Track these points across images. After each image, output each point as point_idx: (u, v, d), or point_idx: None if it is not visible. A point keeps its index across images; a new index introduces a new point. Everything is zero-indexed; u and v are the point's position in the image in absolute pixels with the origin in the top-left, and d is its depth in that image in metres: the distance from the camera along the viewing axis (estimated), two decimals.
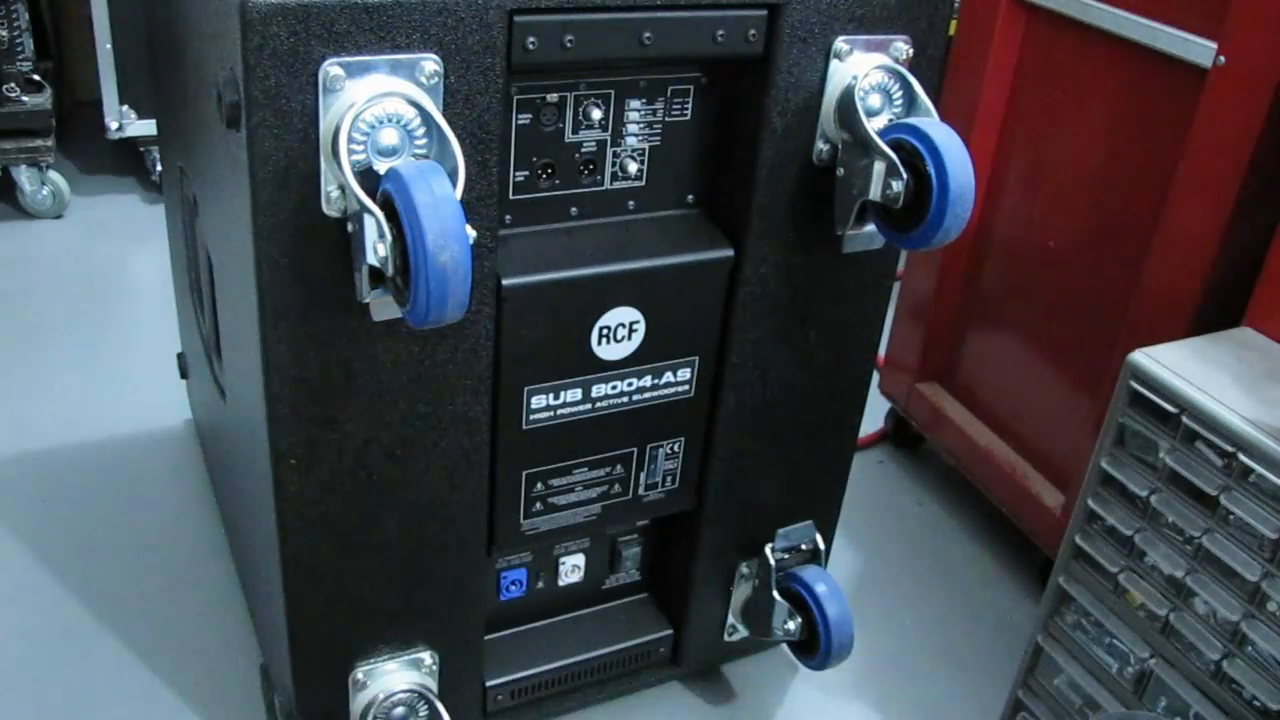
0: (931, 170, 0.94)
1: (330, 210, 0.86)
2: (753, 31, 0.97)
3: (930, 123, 0.97)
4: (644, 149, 1.05)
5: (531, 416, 1.06)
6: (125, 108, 2.38)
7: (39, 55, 2.36)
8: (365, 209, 0.81)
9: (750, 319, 1.10)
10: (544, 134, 1.00)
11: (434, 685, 1.13)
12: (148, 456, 1.67)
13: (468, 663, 1.17)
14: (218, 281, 1.14)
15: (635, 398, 1.10)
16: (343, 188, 0.84)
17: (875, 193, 0.99)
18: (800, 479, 1.25)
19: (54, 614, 1.42)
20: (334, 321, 0.91)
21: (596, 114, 1.01)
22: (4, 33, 2.25)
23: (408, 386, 0.97)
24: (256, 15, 0.78)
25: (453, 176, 0.81)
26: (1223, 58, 1.19)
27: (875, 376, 1.34)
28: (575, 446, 1.10)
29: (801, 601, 1.26)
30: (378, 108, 0.81)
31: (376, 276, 0.85)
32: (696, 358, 1.11)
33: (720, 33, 0.96)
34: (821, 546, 1.29)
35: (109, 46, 2.31)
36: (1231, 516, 1.00)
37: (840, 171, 1.03)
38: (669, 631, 1.31)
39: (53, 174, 2.37)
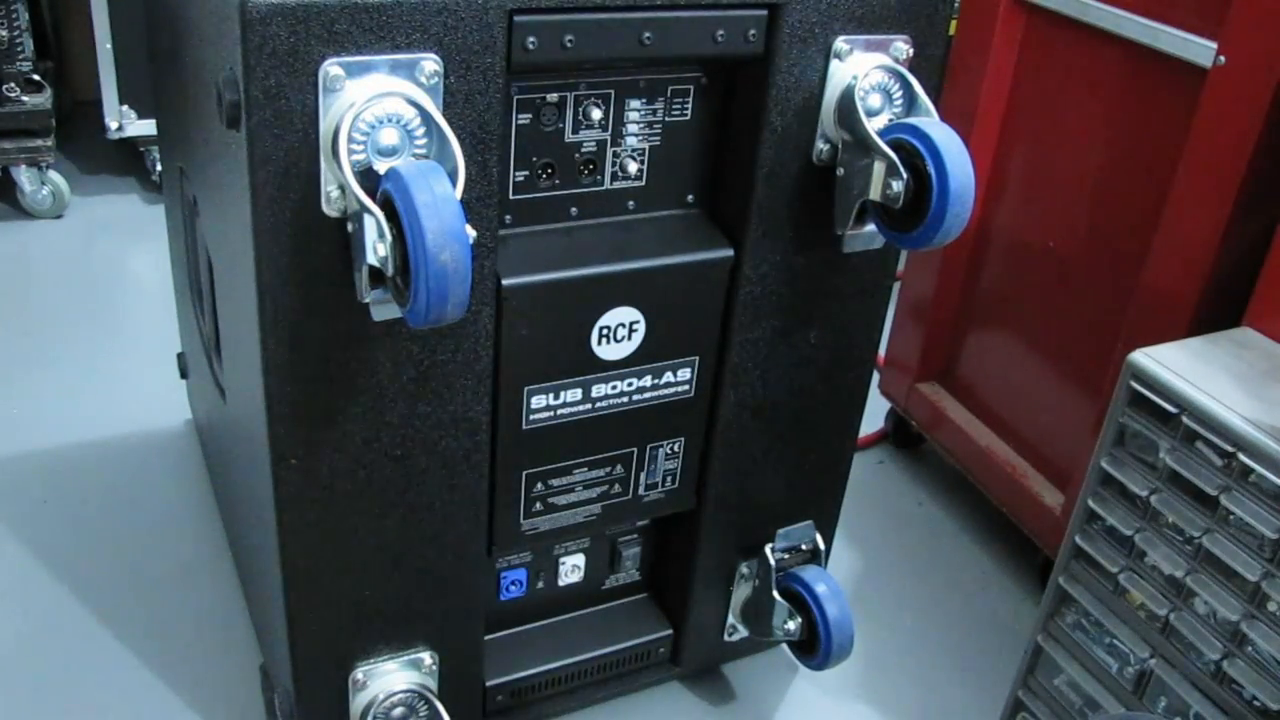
0: (931, 170, 0.94)
1: (330, 210, 0.86)
2: (753, 31, 0.97)
3: (930, 122, 0.97)
4: (644, 149, 1.05)
5: (531, 416, 1.06)
6: (125, 108, 2.38)
7: (39, 55, 2.36)
8: (365, 209, 0.81)
9: (750, 319, 1.10)
10: (544, 134, 1.00)
11: (434, 685, 1.13)
12: (148, 456, 1.67)
13: (468, 663, 1.17)
14: (218, 281, 1.14)
15: (635, 398, 1.10)
16: (343, 188, 0.84)
17: (875, 193, 0.99)
18: (800, 479, 1.25)
19: (54, 614, 1.42)
20: (334, 321, 0.91)
21: (596, 114, 1.01)
22: (4, 33, 2.25)
23: (408, 386, 0.97)
24: (256, 15, 0.78)
25: (453, 176, 0.81)
26: (1223, 58, 1.19)
27: (875, 376, 1.34)
28: (575, 446, 1.10)
29: (801, 601, 1.26)
30: (378, 107, 0.81)
31: (376, 276, 0.85)
32: (696, 358, 1.11)
33: (720, 33, 0.96)
34: (821, 546, 1.29)
35: (109, 46, 2.30)
36: (1231, 516, 1.00)
37: (840, 171, 1.03)
38: (669, 631, 1.31)
39: (53, 174, 2.37)
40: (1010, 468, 1.57)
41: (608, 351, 1.06)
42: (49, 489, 1.63)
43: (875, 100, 1.00)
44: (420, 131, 0.83)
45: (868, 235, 1.09)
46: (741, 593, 1.30)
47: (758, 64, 0.99)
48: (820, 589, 1.25)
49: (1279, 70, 1.14)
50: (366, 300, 0.87)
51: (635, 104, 1.02)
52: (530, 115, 0.98)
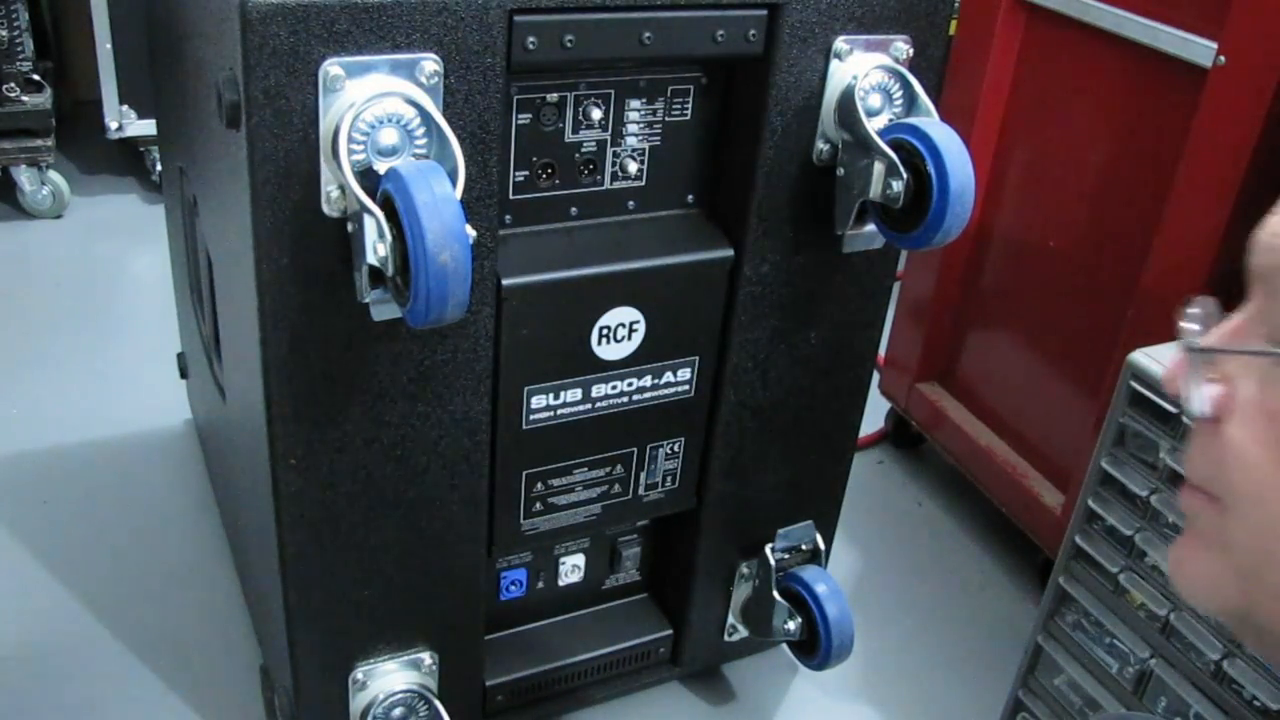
0: (931, 170, 0.94)
1: (330, 210, 0.85)
2: (753, 31, 0.97)
3: (930, 122, 0.97)
4: (644, 149, 1.05)
5: (531, 416, 1.06)
6: (125, 108, 2.38)
7: (39, 55, 2.36)
8: (365, 209, 0.81)
9: (750, 319, 1.10)
10: (544, 134, 1.00)
11: (434, 685, 1.13)
12: (148, 456, 1.67)
13: (468, 663, 1.17)
14: (218, 281, 1.14)
15: (635, 398, 1.10)
16: (343, 188, 0.84)
17: (875, 193, 0.99)
18: (800, 479, 1.25)
19: (54, 614, 1.42)
20: (334, 321, 0.91)
21: (596, 114, 1.01)
22: (4, 33, 2.25)
23: (408, 386, 0.97)
24: (256, 15, 0.78)
25: (453, 176, 0.81)
26: (1223, 58, 1.19)
27: (875, 376, 1.34)
28: (575, 446, 1.10)
29: (801, 601, 1.26)
30: (377, 107, 0.81)
31: (376, 276, 0.85)
32: (696, 358, 1.11)
33: (720, 33, 0.96)
34: (821, 546, 1.29)
35: (109, 46, 2.30)
36: None
37: (840, 171, 1.03)
38: (669, 631, 1.31)
39: (53, 174, 2.37)
40: (1010, 468, 1.57)
41: (608, 351, 1.06)
42: (49, 489, 1.63)
43: (875, 100, 1.00)
44: (420, 131, 0.83)
45: (868, 235, 1.09)
46: (741, 593, 1.30)
47: (758, 64, 0.99)
48: (820, 589, 1.25)
49: (1279, 70, 1.14)
50: (366, 300, 0.87)
51: (635, 104, 1.02)
52: (530, 115, 0.98)
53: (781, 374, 1.16)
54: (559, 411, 1.07)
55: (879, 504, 1.76)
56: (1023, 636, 1.26)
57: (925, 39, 1.04)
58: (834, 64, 1.00)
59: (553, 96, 0.99)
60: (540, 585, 1.25)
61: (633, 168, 1.05)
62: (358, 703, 1.09)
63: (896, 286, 1.46)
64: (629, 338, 1.06)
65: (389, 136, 0.82)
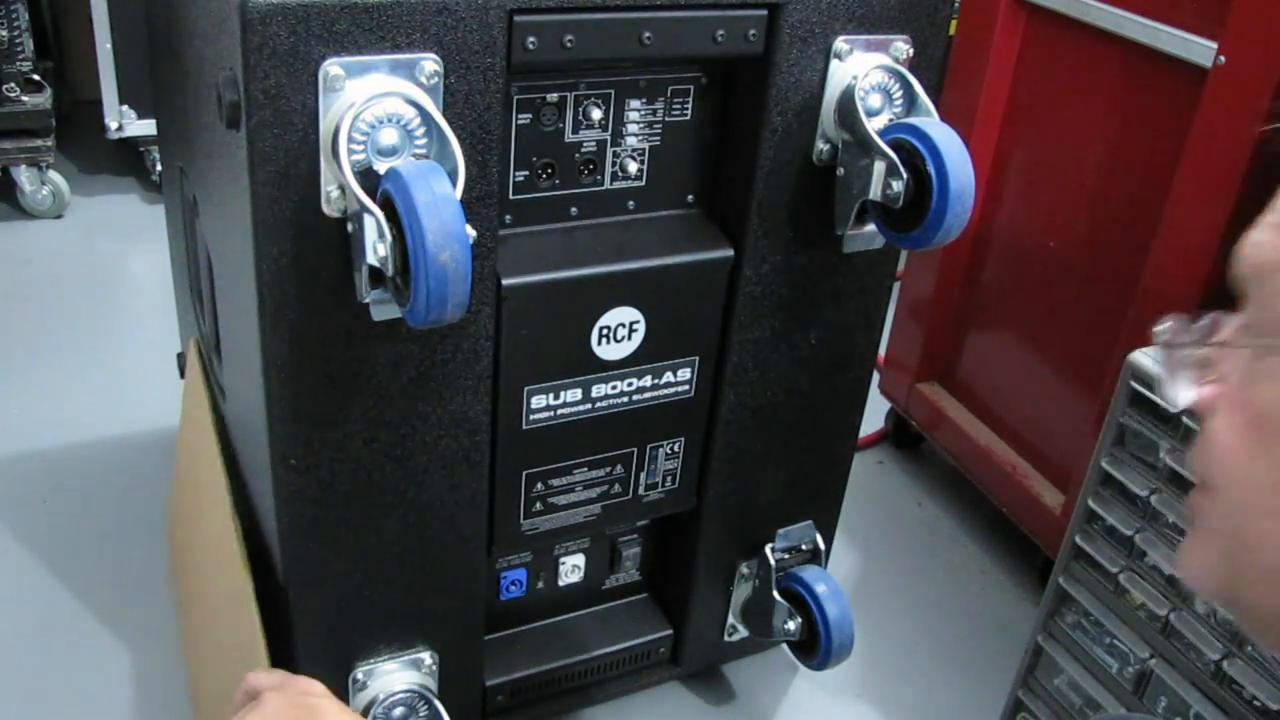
0: (931, 170, 0.94)
1: (330, 210, 0.85)
2: (753, 31, 0.97)
3: (930, 122, 0.97)
4: (644, 149, 1.05)
5: (531, 416, 1.06)
6: (125, 108, 2.38)
7: (39, 55, 2.36)
8: (365, 209, 0.81)
9: (750, 319, 1.10)
10: (544, 134, 1.00)
11: (434, 685, 1.13)
12: (148, 456, 1.67)
13: (468, 663, 1.17)
14: (218, 281, 1.14)
15: (635, 398, 1.10)
16: (343, 188, 0.84)
17: (875, 192, 0.99)
18: (800, 479, 1.25)
19: (54, 614, 1.42)
20: (334, 321, 0.91)
21: (596, 114, 1.01)
22: (4, 33, 2.25)
23: (408, 386, 0.97)
24: (256, 15, 0.78)
25: (453, 176, 0.81)
26: (1223, 58, 1.19)
27: (875, 376, 1.34)
28: (575, 446, 1.10)
29: (801, 601, 1.26)
30: (377, 107, 0.81)
31: (376, 276, 0.85)
32: (696, 358, 1.11)
33: (720, 33, 0.96)
34: (821, 546, 1.29)
35: (109, 46, 2.30)
36: None
37: (840, 171, 1.03)
38: (669, 631, 1.31)
39: (53, 174, 2.37)
40: (1010, 468, 1.57)
41: (608, 351, 1.06)
42: (49, 489, 1.63)
43: (875, 100, 1.00)
44: (420, 131, 0.83)
45: (868, 235, 1.09)
46: (741, 593, 1.30)
47: (758, 64, 0.99)
48: (820, 589, 1.25)
49: (1279, 70, 1.14)
50: (366, 300, 0.87)
51: (635, 104, 1.02)
52: (530, 115, 0.98)
53: (781, 374, 1.16)
54: (559, 411, 1.07)
55: (879, 504, 1.76)
56: (1023, 636, 1.26)
57: (925, 39, 1.04)
58: (834, 64, 1.00)
59: (553, 96, 0.99)
60: (540, 585, 1.25)
61: (633, 168, 1.05)
62: (358, 703, 1.09)
63: (896, 286, 1.46)
64: (629, 338, 1.06)
65: (389, 136, 0.82)
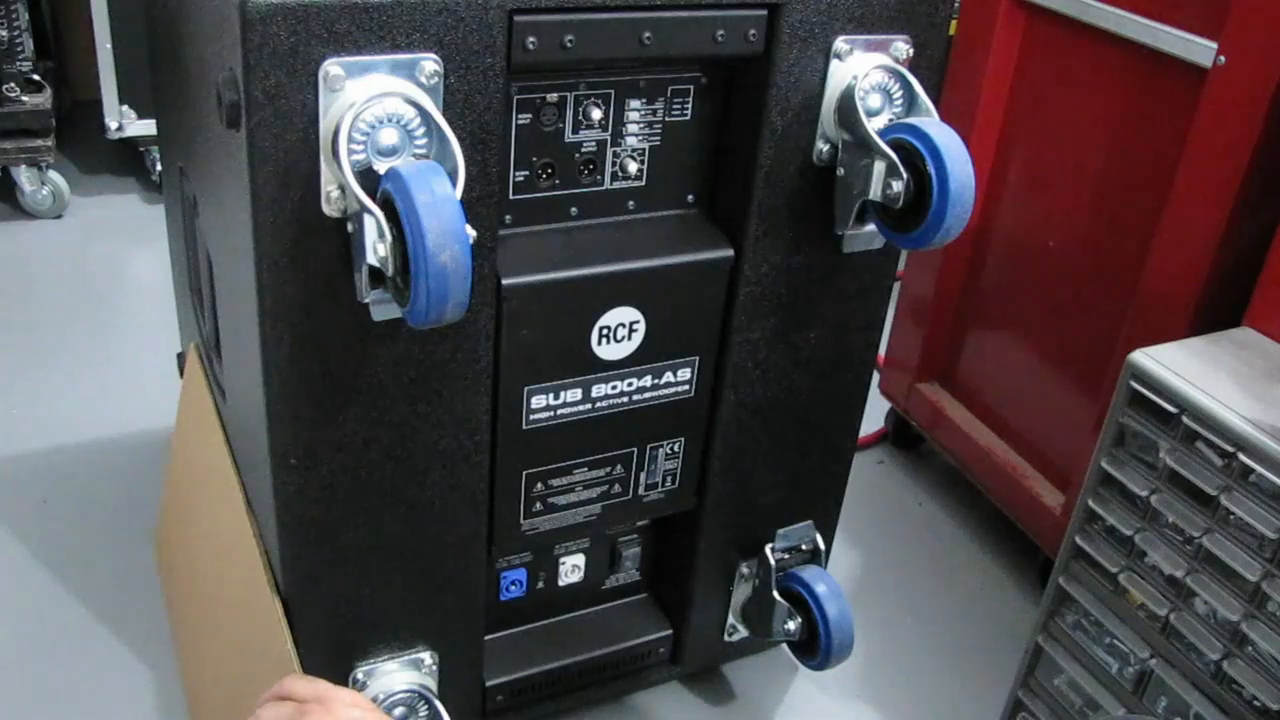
0: (931, 170, 0.94)
1: (330, 210, 0.85)
2: (753, 31, 0.97)
3: (930, 122, 0.97)
4: (644, 149, 1.05)
5: (531, 416, 1.06)
6: (125, 108, 2.38)
7: (39, 55, 2.36)
8: (365, 209, 0.81)
9: (750, 319, 1.10)
10: (544, 134, 1.00)
11: (434, 685, 1.13)
12: (148, 456, 1.67)
13: (468, 663, 1.17)
14: (218, 281, 1.14)
15: (635, 398, 1.10)
16: (343, 187, 0.84)
17: (875, 192, 0.99)
18: (800, 479, 1.25)
19: (53, 614, 1.42)
20: (334, 321, 0.91)
21: (596, 114, 1.01)
22: (4, 33, 2.25)
23: (408, 386, 0.97)
24: (256, 15, 0.78)
25: (453, 176, 0.81)
26: (1223, 58, 1.19)
27: (875, 376, 1.34)
28: (575, 446, 1.10)
29: (801, 601, 1.26)
30: (377, 107, 0.81)
31: (376, 276, 0.85)
32: (696, 358, 1.11)
33: (720, 32, 0.96)
34: (821, 546, 1.29)
35: (109, 46, 2.30)
36: (1231, 516, 1.00)
37: (840, 171, 1.03)
38: (669, 631, 1.31)
39: (53, 174, 2.37)
40: (1010, 468, 1.57)
41: (608, 351, 1.06)
42: (49, 489, 1.63)
43: (875, 100, 1.00)
44: (420, 131, 0.83)
45: (868, 235, 1.09)
46: (741, 593, 1.30)
47: (758, 64, 0.99)
48: (820, 589, 1.25)
49: (1279, 70, 1.14)
50: (366, 300, 0.87)
51: (635, 104, 1.02)
52: (530, 115, 0.98)
53: (781, 374, 1.16)
54: (559, 411, 1.07)
55: (879, 504, 1.76)
56: (1023, 636, 1.26)
57: (925, 39, 1.04)
58: (834, 64, 1.00)
59: (553, 96, 0.99)
60: (540, 585, 1.25)
61: (633, 168, 1.05)
62: None
63: (896, 286, 1.46)
64: (629, 338, 1.06)
65: (389, 136, 0.82)
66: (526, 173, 1.01)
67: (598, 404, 1.08)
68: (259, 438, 0.97)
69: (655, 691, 1.38)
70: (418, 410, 0.98)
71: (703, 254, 1.07)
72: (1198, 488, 1.02)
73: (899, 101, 1.01)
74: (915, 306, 1.72)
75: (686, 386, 1.12)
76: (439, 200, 0.77)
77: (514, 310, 0.99)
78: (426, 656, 1.12)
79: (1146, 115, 1.32)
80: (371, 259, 0.83)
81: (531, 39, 0.89)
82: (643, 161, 1.05)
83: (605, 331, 1.05)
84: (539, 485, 1.11)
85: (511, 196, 1.01)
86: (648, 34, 0.94)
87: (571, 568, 1.25)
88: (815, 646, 1.26)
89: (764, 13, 0.97)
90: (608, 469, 1.14)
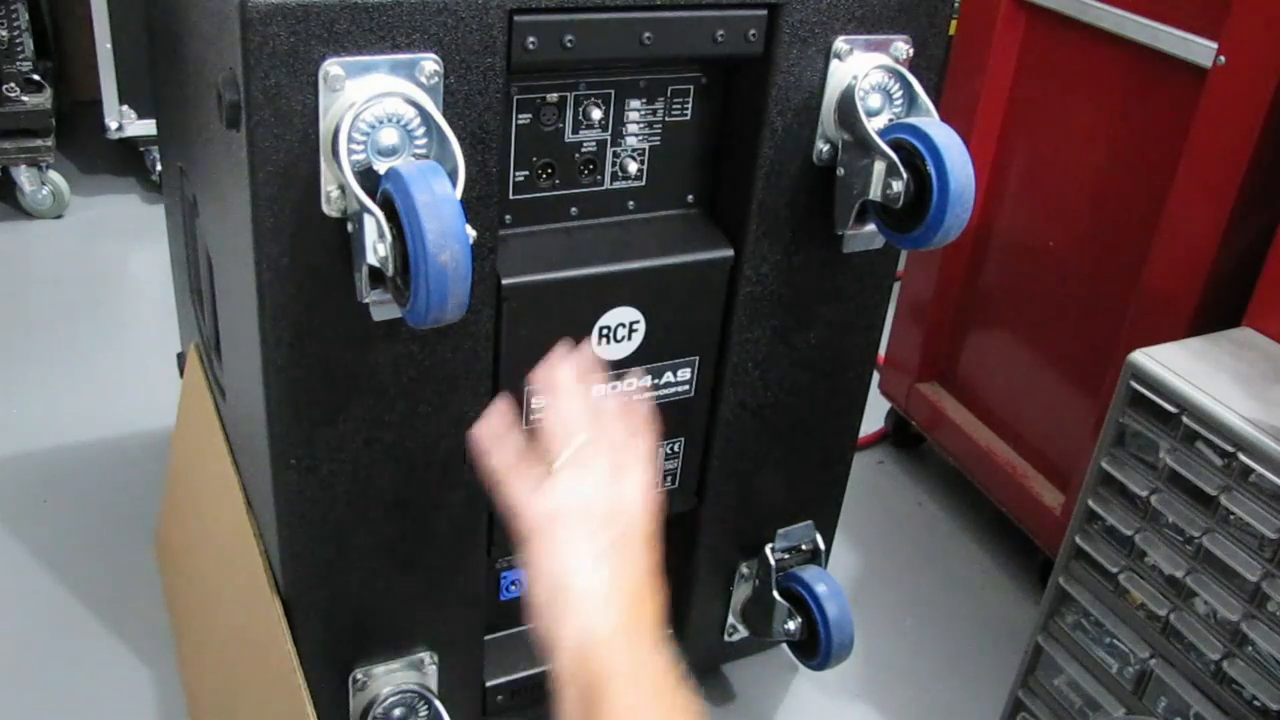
0: (931, 170, 0.94)
1: (330, 210, 0.85)
2: (753, 31, 0.97)
3: (930, 122, 0.97)
4: (644, 149, 1.05)
5: (532, 416, 1.06)
6: (125, 108, 2.38)
7: (39, 55, 2.36)
8: (365, 209, 0.80)
9: (750, 319, 1.10)
10: (544, 134, 1.00)
11: (434, 685, 1.13)
12: (148, 456, 1.67)
13: (468, 663, 1.17)
14: (218, 281, 1.14)
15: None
16: (343, 188, 0.84)
17: (875, 192, 0.99)
18: (800, 479, 1.25)
19: (53, 614, 1.42)
20: (334, 321, 0.91)
21: (596, 114, 1.01)
22: (4, 33, 2.25)
23: (408, 386, 0.97)
24: (256, 15, 0.78)
25: (453, 176, 0.81)
26: (1223, 58, 1.19)
27: (875, 376, 1.34)
28: None
29: (801, 601, 1.26)
30: (377, 107, 0.81)
31: (376, 276, 0.85)
32: (696, 358, 1.11)
33: (720, 33, 0.96)
34: (821, 546, 1.29)
35: (109, 46, 2.30)
36: (1231, 516, 1.00)
37: (840, 171, 1.03)
38: (669, 631, 1.31)
39: (53, 174, 2.37)
40: (1010, 468, 1.57)
41: (608, 351, 1.06)
42: (49, 489, 1.63)
43: (875, 100, 1.00)
44: (420, 131, 0.83)
45: (868, 235, 1.09)
46: (741, 593, 1.30)
47: (758, 64, 0.99)
48: (820, 589, 1.25)
49: (1279, 70, 1.14)
50: (366, 300, 0.87)
51: (635, 104, 1.02)
52: (530, 115, 0.98)
53: (781, 374, 1.16)
54: None
55: (879, 504, 1.77)
56: (1023, 636, 1.26)
57: (925, 39, 1.04)
58: (834, 64, 1.00)
59: (553, 96, 0.99)
60: None
61: (633, 168, 1.05)
62: (358, 703, 1.09)
63: (896, 286, 1.46)
64: (629, 338, 1.06)
65: (389, 136, 0.82)
66: (526, 173, 1.01)
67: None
68: (259, 438, 0.97)
69: None
70: (418, 410, 0.98)
71: (703, 254, 1.07)
72: (1198, 488, 1.02)
73: (899, 101, 1.01)
74: (915, 306, 1.72)
75: (686, 386, 1.12)
76: (439, 200, 0.77)
77: (514, 310, 0.99)
78: (426, 656, 1.12)
79: (1146, 115, 1.32)
80: (371, 259, 0.83)
81: (531, 39, 0.89)
82: (643, 161, 1.05)
83: (605, 331, 1.05)
84: None
85: (511, 196, 1.01)
86: (648, 34, 0.94)
87: None
88: (815, 646, 1.26)
89: (764, 13, 0.97)
90: None
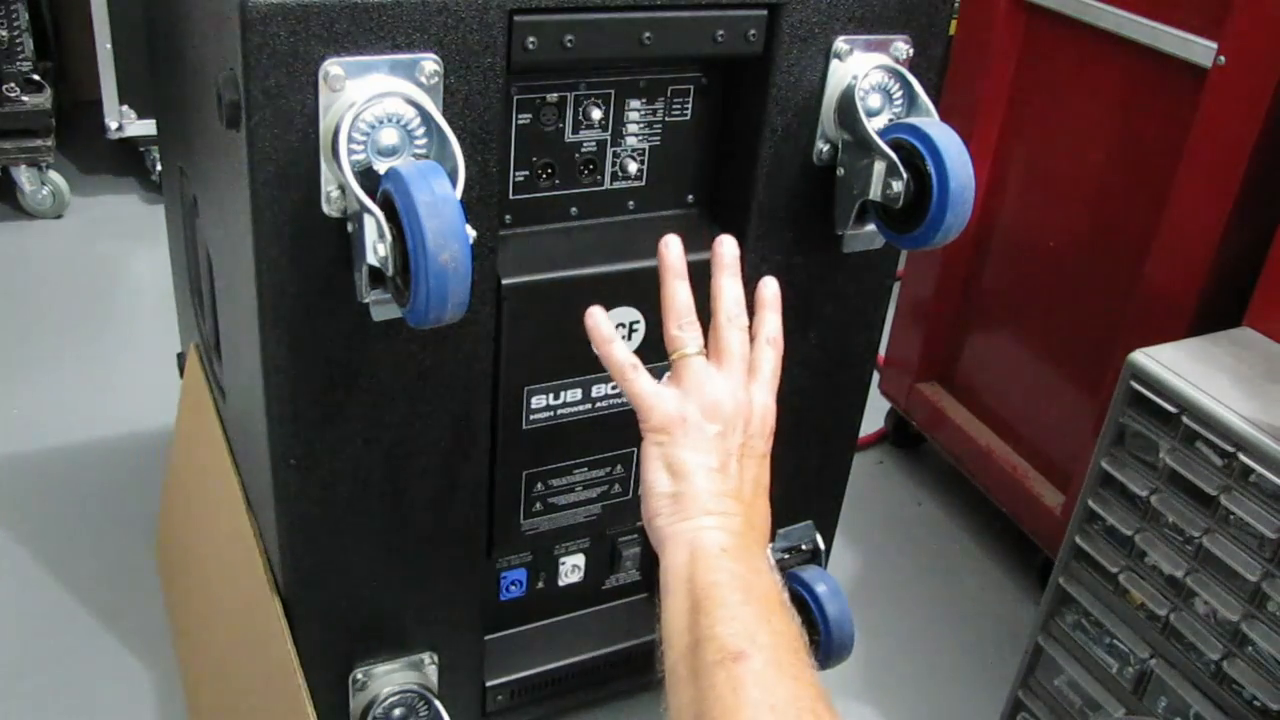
0: (931, 170, 0.94)
1: (330, 210, 0.85)
2: (753, 31, 0.97)
3: (930, 122, 0.97)
4: (644, 149, 1.05)
5: (531, 416, 1.06)
6: (125, 108, 2.38)
7: (39, 55, 2.36)
8: (365, 209, 0.80)
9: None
10: (544, 134, 1.00)
11: (434, 685, 1.13)
12: (148, 456, 1.67)
13: (468, 663, 1.17)
14: (218, 281, 1.14)
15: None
16: (343, 188, 0.84)
17: (875, 192, 0.99)
18: (800, 479, 1.25)
19: (53, 614, 1.42)
20: (334, 321, 0.91)
21: (596, 114, 1.01)
22: (4, 33, 2.25)
23: (408, 386, 0.97)
24: (256, 15, 0.78)
25: (453, 176, 0.81)
26: (1223, 58, 1.19)
27: (875, 376, 1.34)
28: (575, 446, 1.10)
29: (801, 601, 1.25)
30: (378, 107, 0.81)
31: (376, 276, 0.85)
32: None
33: (720, 33, 0.96)
34: (821, 546, 1.29)
35: (109, 46, 2.30)
36: (1231, 516, 1.00)
37: (840, 171, 1.03)
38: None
39: (53, 174, 2.37)
40: (1010, 468, 1.57)
41: None
42: (49, 489, 1.63)
43: (875, 100, 1.00)
44: (420, 131, 0.83)
45: (868, 235, 1.09)
46: None
47: (758, 64, 0.99)
48: (820, 589, 1.24)
49: (1279, 70, 1.14)
50: (366, 300, 0.87)
51: (635, 104, 1.02)
52: (530, 115, 0.98)
53: (781, 374, 1.15)
54: (559, 411, 1.07)
55: (879, 504, 1.77)
56: (1023, 636, 1.26)
57: (925, 39, 1.04)
58: (834, 64, 1.00)
59: (553, 96, 0.99)
60: (540, 585, 1.25)
61: (633, 168, 1.05)
62: (358, 703, 1.09)
63: (896, 286, 1.46)
64: (629, 338, 1.06)
65: (389, 136, 0.82)
66: (526, 173, 1.01)
67: (598, 404, 1.08)
68: (259, 438, 0.97)
69: (655, 691, 1.37)
70: (418, 410, 0.98)
71: (703, 254, 1.06)
72: (1198, 488, 1.02)
73: (899, 101, 1.01)
74: (915, 306, 1.72)
75: None
76: (439, 200, 0.77)
77: (514, 310, 0.99)
78: (426, 656, 1.12)
79: (1146, 115, 1.32)
80: (371, 259, 0.83)
81: (531, 39, 0.89)
82: (643, 161, 1.05)
83: None
84: (539, 485, 1.11)
85: (511, 196, 1.01)
86: (648, 34, 0.94)
87: (571, 568, 1.25)
88: (815, 646, 1.26)
89: (764, 13, 0.97)
90: (608, 469, 1.14)
